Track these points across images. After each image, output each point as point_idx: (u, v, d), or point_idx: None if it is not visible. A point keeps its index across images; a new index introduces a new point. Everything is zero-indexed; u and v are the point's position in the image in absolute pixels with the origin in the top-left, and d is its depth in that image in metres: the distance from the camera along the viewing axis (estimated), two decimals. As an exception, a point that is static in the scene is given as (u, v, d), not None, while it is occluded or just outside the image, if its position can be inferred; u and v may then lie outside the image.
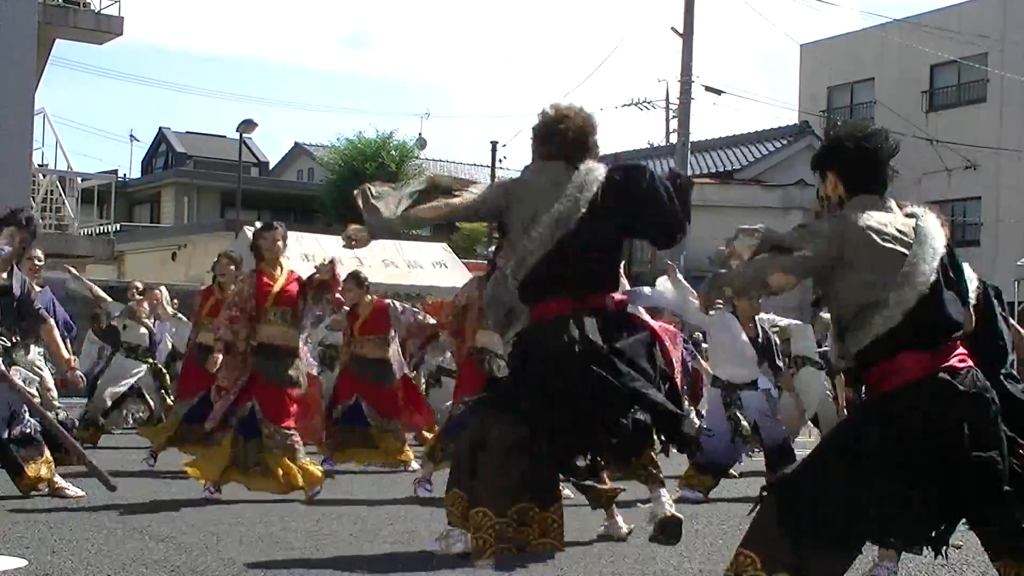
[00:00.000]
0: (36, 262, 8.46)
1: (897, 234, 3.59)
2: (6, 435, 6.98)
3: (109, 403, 10.70)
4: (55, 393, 8.80)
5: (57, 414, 8.54)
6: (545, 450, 4.28)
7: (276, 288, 7.69)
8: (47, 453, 7.23)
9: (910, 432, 3.51)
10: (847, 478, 3.54)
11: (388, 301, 10.08)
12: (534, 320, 4.45)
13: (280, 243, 7.77)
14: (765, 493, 3.67)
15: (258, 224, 8.37)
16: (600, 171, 4.55)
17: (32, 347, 8.01)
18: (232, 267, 9.18)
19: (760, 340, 8.67)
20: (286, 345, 7.68)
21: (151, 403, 10.85)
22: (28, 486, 7.11)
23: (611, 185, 4.51)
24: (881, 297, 3.51)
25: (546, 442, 4.28)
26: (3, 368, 6.92)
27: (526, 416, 4.22)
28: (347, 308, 9.83)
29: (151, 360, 10.74)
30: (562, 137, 4.60)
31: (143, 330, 10.70)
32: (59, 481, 7.24)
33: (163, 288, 11.18)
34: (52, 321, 7.32)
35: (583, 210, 4.38)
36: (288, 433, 7.49)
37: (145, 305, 10.77)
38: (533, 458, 4.21)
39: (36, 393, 8.43)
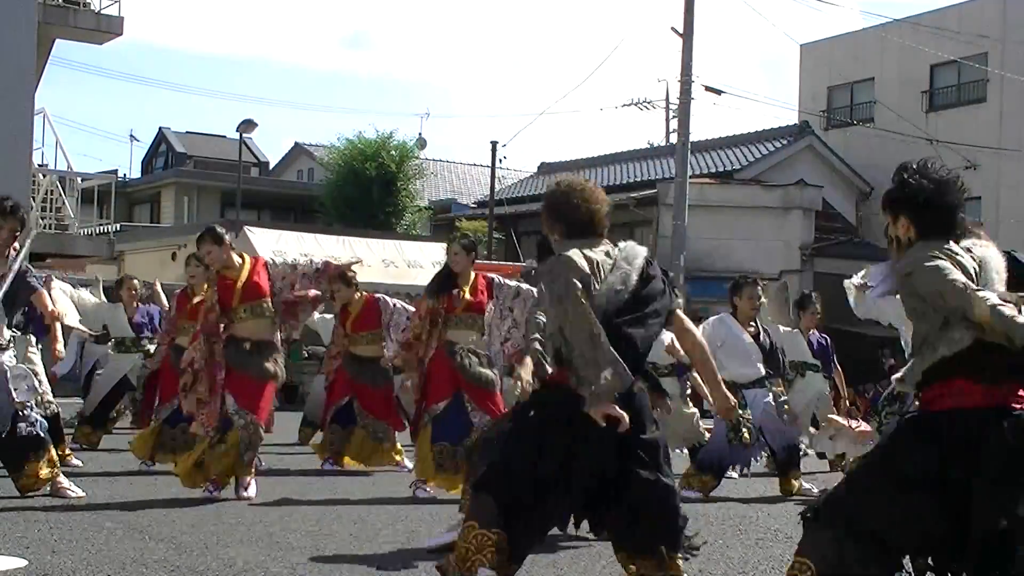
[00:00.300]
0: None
1: (965, 266, 3.69)
2: (11, 433, 6.94)
3: (97, 401, 10.70)
4: (48, 391, 8.74)
5: (51, 409, 8.53)
6: (537, 517, 4.21)
7: (240, 284, 7.61)
8: (52, 453, 7.21)
9: (937, 446, 3.57)
10: (872, 485, 3.66)
11: (378, 296, 10.08)
12: (562, 382, 4.14)
13: (214, 252, 7.66)
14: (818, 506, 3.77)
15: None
16: (640, 253, 4.40)
17: (22, 340, 7.98)
18: (200, 268, 9.09)
19: (761, 340, 8.67)
20: (259, 338, 7.63)
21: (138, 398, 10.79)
22: (26, 486, 7.06)
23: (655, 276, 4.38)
24: (952, 323, 3.60)
25: (541, 511, 4.20)
26: (7, 365, 6.90)
27: (529, 480, 4.12)
28: (339, 308, 9.86)
29: (143, 348, 10.68)
30: (598, 216, 4.44)
31: (123, 321, 10.68)
32: (61, 481, 7.21)
33: (136, 279, 11.19)
34: (42, 288, 7.22)
35: (633, 281, 4.22)
36: (259, 425, 7.53)
37: (123, 295, 10.79)
38: (524, 522, 4.15)
39: (46, 389, 8.41)
